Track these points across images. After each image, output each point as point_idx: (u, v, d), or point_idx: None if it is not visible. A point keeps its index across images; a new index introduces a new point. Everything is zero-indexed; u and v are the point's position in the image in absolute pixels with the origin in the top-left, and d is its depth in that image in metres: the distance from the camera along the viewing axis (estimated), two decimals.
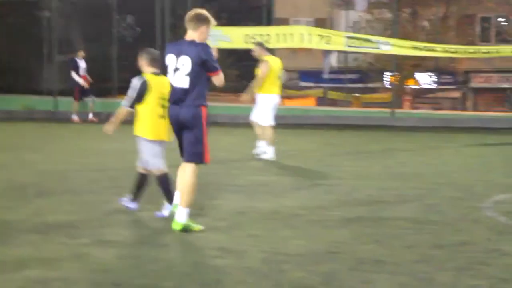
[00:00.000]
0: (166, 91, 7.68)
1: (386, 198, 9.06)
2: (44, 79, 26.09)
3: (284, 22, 34.19)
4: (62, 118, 22.02)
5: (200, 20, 7.08)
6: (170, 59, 7.07)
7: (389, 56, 24.15)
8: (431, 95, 36.17)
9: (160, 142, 7.76)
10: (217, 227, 7.25)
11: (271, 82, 12.91)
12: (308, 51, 27.14)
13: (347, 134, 18.88)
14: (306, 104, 33.91)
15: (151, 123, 7.68)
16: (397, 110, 23.10)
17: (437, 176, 11.11)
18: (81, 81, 20.78)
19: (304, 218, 7.78)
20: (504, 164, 12.95)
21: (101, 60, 25.40)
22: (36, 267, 5.72)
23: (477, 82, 37.87)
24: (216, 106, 19.52)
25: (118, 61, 27.94)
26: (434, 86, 34.98)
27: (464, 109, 36.07)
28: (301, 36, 20.34)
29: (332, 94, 36.49)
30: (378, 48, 20.48)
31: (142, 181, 7.94)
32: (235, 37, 20.53)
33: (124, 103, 7.74)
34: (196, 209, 7.51)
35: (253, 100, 13.13)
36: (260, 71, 12.87)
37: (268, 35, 20.42)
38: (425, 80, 36.77)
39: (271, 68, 12.82)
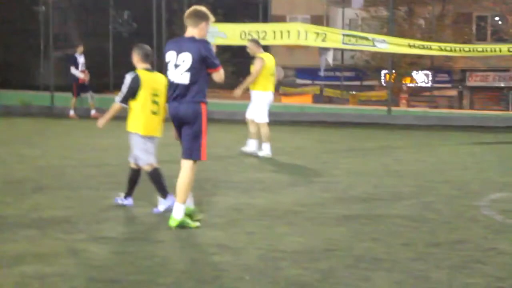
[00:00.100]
0: (159, 87, 7.73)
1: (383, 196, 9.07)
2: (40, 74, 26.04)
3: (280, 19, 34.16)
4: (59, 114, 21.99)
5: (200, 17, 7.12)
6: (170, 56, 7.09)
7: (385, 54, 24.17)
8: (427, 94, 36.17)
9: (152, 138, 7.81)
10: (214, 224, 7.26)
11: (265, 79, 12.93)
12: (305, 48, 27.11)
13: (344, 132, 18.88)
14: (302, 101, 33.90)
15: (143, 119, 7.72)
16: (394, 108, 23.10)
17: (434, 174, 11.12)
18: (81, 75, 20.73)
19: (301, 215, 7.79)
20: (500, 162, 12.98)
21: (97, 55, 25.39)
22: (33, 263, 5.72)
23: (473, 80, 37.89)
24: (213, 102, 19.50)
25: (114, 56, 27.94)
26: (430, 84, 34.97)
27: (460, 107, 36.10)
28: (297, 33, 20.32)
29: (329, 92, 36.49)
30: (374, 46, 20.47)
31: (134, 176, 7.97)
32: (231, 33, 20.51)
33: (117, 99, 7.80)
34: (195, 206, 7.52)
35: (244, 95, 13.14)
36: (254, 68, 12.90)
37: (264, 32, 20.40)
38: (421, 78, 36.78)
39: (265, 65, 12.84)
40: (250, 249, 6.27)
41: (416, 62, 33.78)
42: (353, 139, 16.93)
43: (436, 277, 5.53)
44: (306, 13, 38.84)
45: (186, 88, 6.99)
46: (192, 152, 7.05)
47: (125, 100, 7.76)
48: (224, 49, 26.96)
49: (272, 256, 6.05)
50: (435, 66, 32.82)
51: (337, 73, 35.22)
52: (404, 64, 33.25)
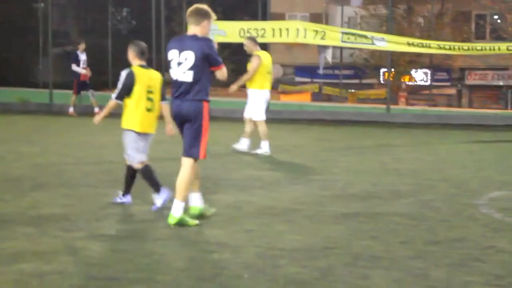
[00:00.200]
0: (153, 83, 7.77)
1: (381, 194, 9.08)
2: (39, 72, 26.02)
3: (279, 17, 34.17)
4: (58, 111, 21.98)
5: (202, 15, 7.14)
6: (172, 54, 7.09)
7: (384, 52, 24.16)
8: (426, 92, 36.18)
9: (146, 136, 7.83)
10: (213, 222, 7.26)
11: (262, 77, 12.94)
12: (304, 46, 27.10)
13: (342, 130, 18.89)
14: (301, 99, 33.91)
15: (138, 116, 7.75)
16: (392, 106, 23.12)
17: (432, 172, 11.13)
18: (83, 71, 20.69)
19: (300, 213, 7.79)
20: (498, 161, 12.99)
21: (96, 53, 25.37)
22: (32, 260, 5.71)
23: (472, 79, 37.90)
24: (212, 100, 19.49)
25: (113, 54, 27.92)
26: (429, 82, 34.97)
27: (459, 106, 36.11)
28: (296, 31, 20.31)
29: (328, 90, 36.49)
30: (373, 44, 20.46)
31: (131, 173, 7.97)
32: (230, 31, 20.50)
33: (113, 95, 7.83)
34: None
35: (243, 93, 13.15)
36: (250, 65, 12.91)
37: (263, 29, 20.39)
38: (420, 76, 36.79)
39: (262, 63, 12.85)
40: (249, 247, 6.27)
41: (415, 61, 33.80)
42: (352, 137, 16.93)
43: (435, 275, 5.53)
44: (305, 11, 38.84)
45: (189, 86, 7.00)
46: (192, 150, 7.06)
47: (121, 96, 7.79)
48: (223, 47, 26.95)
49: (271, 254, 6.05)
50: (434, 64, 32.82)
51: (336, 71, 35.22)
52: (403, 63, 33.27)
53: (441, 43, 21.22)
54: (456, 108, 32.51)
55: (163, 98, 7.97)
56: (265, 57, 13.06)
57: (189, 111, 7.00)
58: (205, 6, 7.23)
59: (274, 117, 19.28)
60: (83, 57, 20.87)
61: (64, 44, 32.53)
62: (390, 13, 23.97)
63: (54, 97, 23.48)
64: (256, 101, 12.96)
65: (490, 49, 20.94)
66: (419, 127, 19.80)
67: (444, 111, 24.36)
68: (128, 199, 8.01)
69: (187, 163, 7.08)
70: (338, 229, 7.06)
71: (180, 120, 7.10)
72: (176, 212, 6.99)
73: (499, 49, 21.03)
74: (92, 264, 5.68)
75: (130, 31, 37.27)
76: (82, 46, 21.00)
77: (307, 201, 8.48)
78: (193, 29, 7.15)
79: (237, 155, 12.66)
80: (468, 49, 21.32)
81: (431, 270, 5.66)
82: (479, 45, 22.54)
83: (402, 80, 36.08)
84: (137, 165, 7.82)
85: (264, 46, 19.23)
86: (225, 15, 25.30)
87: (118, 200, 8.00)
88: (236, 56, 22.82)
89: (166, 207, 7.42)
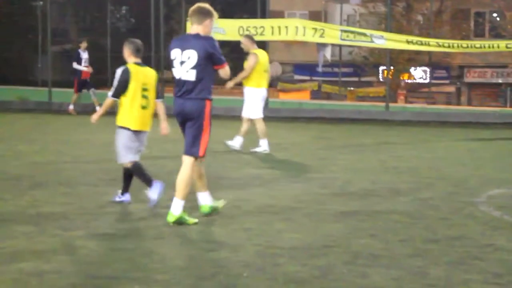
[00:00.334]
0: (149, 81, 7.79)
1: (380, 192, 9.08)
2: (38, 70, 26.01)
3: (279, 14, 34.16)
4: (57, 109, 21.97)
5: (204, 14, 7.15)
6: (175, 53, 7.10)
7: (383, 50, 24.15)
8: (425, 90, 36.17)
9: (140, 134, 7.83)
10: (212, 220, 7.26)
11: (259, 75, 12.94)
12: (303, 44, 27.10)
13: (341, 128, 18.89)
14: (300, 97, 33.89)
15: (133, 113, 7.76)
16: (391, 104, 23.11)
17: (431, 170, 11.13)
18: (85, 69, 20.66)
19: (299, 211, 7.79)
20: (497, 159, 12.99)
21: (95, 51, 25.35)
22: (31, 259, 5.71)
23: (471, 77, 37.90)
24: (213, 98, 19.48)
25: (112, 52, 27.90)
26: (428, 80, 34.97)
27: (458, 103, 36.11)
28: (295, 29, 20.33)
29: (327, 88, 36.48)
30: (372, 42, 20.48)
31: (129, 171, 7.97)
32: (230, 29, 20.52)
33: (109, 94, 7.85)
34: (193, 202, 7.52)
35: (241, 92, 13.15)
36: (247, 63, 12.91)
37: (262, 27, 20.41)
38: (419, 74, 36.79)
39: (259, 61, 12.85)
40: (248, 245, 6.27)
41: (414, 58, 33.78)
42: (351, 135, 16.93)
43: (434, 273, 5.53)
44: (304, 8, 38.84)
45: (192, 85, 7.01)
46: (193, 149, 7.07)
47: (117, 94, 7.80)
48: (222, 44, 26.94)
49: (270, 252, 6.05)
50: (433, 62, 32.80)
51: (335, 69, 35.22)
52: (402, 60, 33.25)
53: (440, 41, 21.27)
54: (455, 106, 32.53)
55: (158, 96, 7.96)
56: (262, 56, 13.07)
57: (191, 110, 7.01)
58: (207, 5, 7.24)
59: (273, 115, 19.28)
60: (85, 55, 20.86)
61: (63, 42, 32.52)
62: (389, 11, 23.97)
63: (53, 96, 23.46)
64: (253, 99, 12.97)
65: (489, 47, 20.98)
66: (418, 125, 19.81)
67: (443, 109, 24.36)
68: (127, 197, 8.02)
69: (187, 161, 7.09)
70: (337, 227, 7.06)
71: (182, 118, 7.11)
72: (175, 210, 6.99)
73: (498, 47, 21.08)
74: (91, 263, 5.68)
75: (129, 29, 37.23)
76: (84, 44, 21.00)
77: (306, 199, 8.48)
78: (195, 28, 7.15)
79: (236, 154, 12.66)
80: (467, 47, 21.36)
81: (430, 268, 5.66)
82: (478, 42, 22.58)
83: (401, 78, 36.08)
84: (127, 164, 7.84)
85: (263, 44, 19.23)
86: (224, 13, 25.27)
87: (117, 199, 8.01)
88: (233, 54, 22.81)
89: (166, 206, 7.42)
